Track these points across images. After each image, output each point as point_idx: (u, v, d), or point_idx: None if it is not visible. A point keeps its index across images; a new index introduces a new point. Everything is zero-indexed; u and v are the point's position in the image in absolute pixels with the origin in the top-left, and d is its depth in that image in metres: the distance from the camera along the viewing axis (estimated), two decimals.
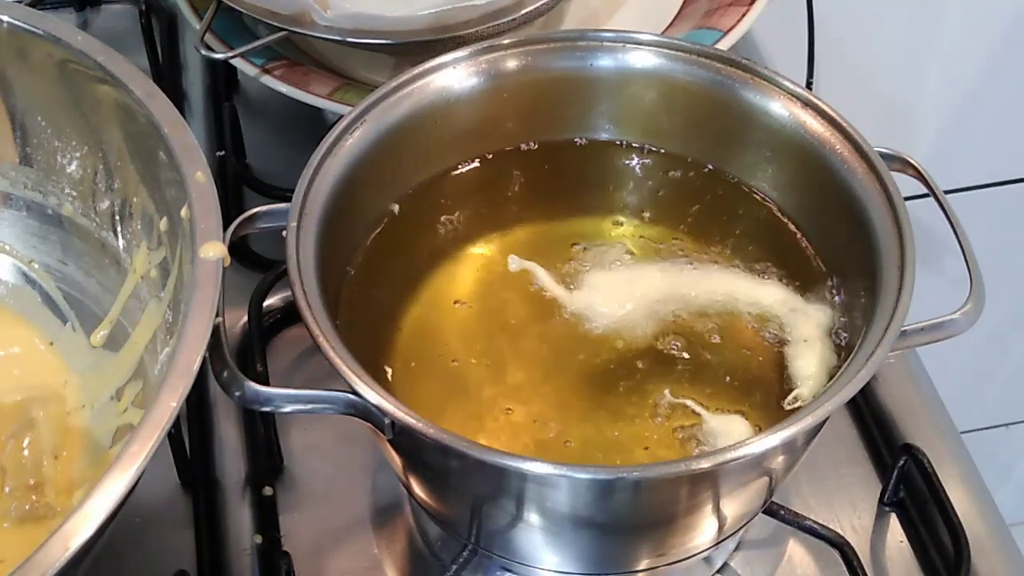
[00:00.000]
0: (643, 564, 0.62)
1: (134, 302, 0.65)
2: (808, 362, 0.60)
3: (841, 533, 0.67)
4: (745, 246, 0.66)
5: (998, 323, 1.13)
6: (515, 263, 0.65)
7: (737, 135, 0.67)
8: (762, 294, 0.64)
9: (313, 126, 0.85)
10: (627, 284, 0.64)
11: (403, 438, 0.55)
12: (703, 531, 0.59)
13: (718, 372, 0.61)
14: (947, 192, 0.63)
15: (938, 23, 1.19)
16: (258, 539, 0.68)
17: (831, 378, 0.59)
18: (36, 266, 0.71)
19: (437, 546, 0.67)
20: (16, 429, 0.64)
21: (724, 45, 0.81)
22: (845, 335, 0.61)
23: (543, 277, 0.64)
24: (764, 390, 0.60)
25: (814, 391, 0.59)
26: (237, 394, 0.54)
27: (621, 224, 0.68)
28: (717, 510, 0.57)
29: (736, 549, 0.68)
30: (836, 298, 0.63)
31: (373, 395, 0.52)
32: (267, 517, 0.69)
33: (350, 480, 0.71)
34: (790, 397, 0.59)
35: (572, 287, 0.64)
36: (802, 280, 0.64)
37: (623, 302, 0.63)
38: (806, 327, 0.62)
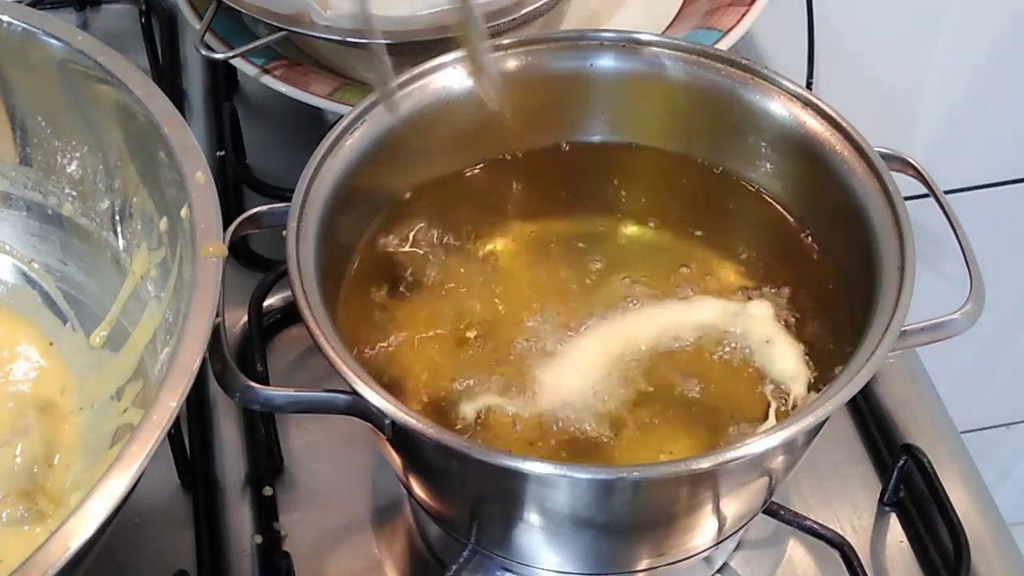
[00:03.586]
0: (643, 564, 0.62)
1: (134, 302, 0.65)
2: (785, 361, 0.61)
3: (841, 533, 0.67)
4: (744, 245, 0.66)
5: (998, 323, 1.13)
6: (468, 409, 0.59)
7: (737, 135, 0.67)
8: (700, 314, 0.63)
9: (313, 126, 0.85)
10: (580, 362, 0.61)
11: (403, 438, 0.55)
12: (703, 531, 0.59)
13: (708, 408, 0.60)
14: (947, 192, 0.63)
15: (938, 23, 1.19)
16: (258, 539, 0.68)
17: (808, 363, 0.60)
18: (36, 266, 0.71)
19: (437, 546, 0.67)
20: (9, 436, 0.64)
21: (724, 45, 0.81)
22: (795, 316, 0.62)
23: (498, 402, 0.60)
24: (758, 405, 0.60)
25: (806, 384, 0.59)
26: (237, 394, 0.54)
27: (616, 224, 0.68)
28: (717, 510, 0.57)
29: (736, 549, 0.68)
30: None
31: (373, 395, 0.52)
32: (267, 517, 0.69)
33: (350, 480, 0.71)
34: (791, 400, 0.59)
35: (529, 392, 0.60)
36: (803, 280, 0.64)
37: (586, 385, 0.60)
38: (759, 327, 0.62)
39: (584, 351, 0.61)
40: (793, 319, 0.62)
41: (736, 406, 0.59)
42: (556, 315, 0.63)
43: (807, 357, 0.61)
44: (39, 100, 0.68)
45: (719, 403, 0.60)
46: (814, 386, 0.60)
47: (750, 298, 0.63)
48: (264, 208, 0.61)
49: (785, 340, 0.61)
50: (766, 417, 0.59)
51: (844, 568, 0.66)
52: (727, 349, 0.61)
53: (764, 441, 0.51)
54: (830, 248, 0.64)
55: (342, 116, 0.64)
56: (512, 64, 0.67)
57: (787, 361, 0.60)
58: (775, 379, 0.60)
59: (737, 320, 0.62)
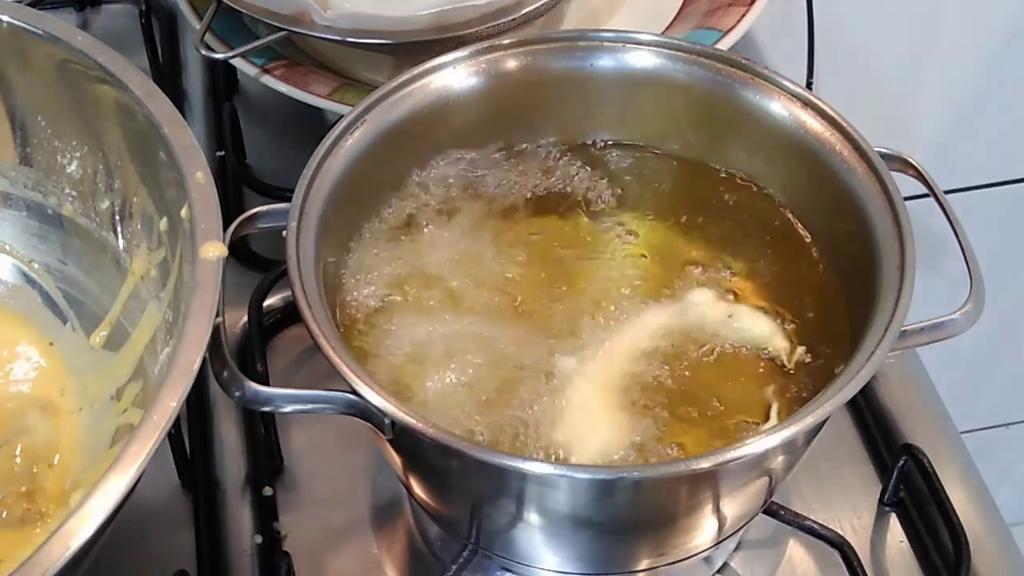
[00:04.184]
0: (643, 564, 0.62)
1: (134, 302, 0.65)
2: (755, 327, 0.61)
3: (841, 533, 0.67)
4: (743, 246, 0.66)
5: (998, 323, 1.13)
6: None
7: (737, 135, 0.67)
8: (658, 320, 0.62)
9: (313, 126, 0.85)
10: (583, 408, 0.59)
11: (403, 438, 0.55)
12: (703, 531, 0.59)
13: (722, 403, 0.59)
14: (947, 192, 0.63)
15: (938, 23, 1.19)
16: (258, 539, 0.68)
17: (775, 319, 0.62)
18: (36, 266, 0.71)
19: (437, 546, 0.67)
20: (9, 436, 0.64)
21: (724, 45, 0.81)
22: (794, 316, 0.62)
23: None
24: (759, 379, 0.60)
25: (783, 336, 0.61)
26: (237, 394, 0.54)
27: (615, 225, 0.68)
28: (717, 510, 0.57)
29: (736, 549, 0.68)
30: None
31: (373, 395, 0.52)
32: (267, 517, 0.69)
33: (350, 480, 0.71)
34: (780, 358, 0.60)
35: (555, 450, 0.58)
36: (802, 280, 0.64)
37: (600, 438, 0.58)
38: (712, 310, 0.62)
39: (584, 394, 0.60)
40: (792, 319, 0.62)
41: (741, 391, 0.60)
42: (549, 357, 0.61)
43: (802, 347, 0.61)
44: (39, 100, 0.68)
45: (727, 394, 0.60)
46: (793, 340, 0.61)
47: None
48: (264, 208, 0.60)
49: (742, 308, 0.62)
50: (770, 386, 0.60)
51: (844, 568, 0.66)
52: (699, 344, 0.61)
53: (764, 441, 0.51)
54: (829, 248, 0.64)
55: (342, 116, 0.64)
56: (512, 64, 0.67)
57: (757, 325, 0.61)
58: (756, 345, 0.61)
59: (688, 314, 0.62)
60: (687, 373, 0.60)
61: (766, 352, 0.61)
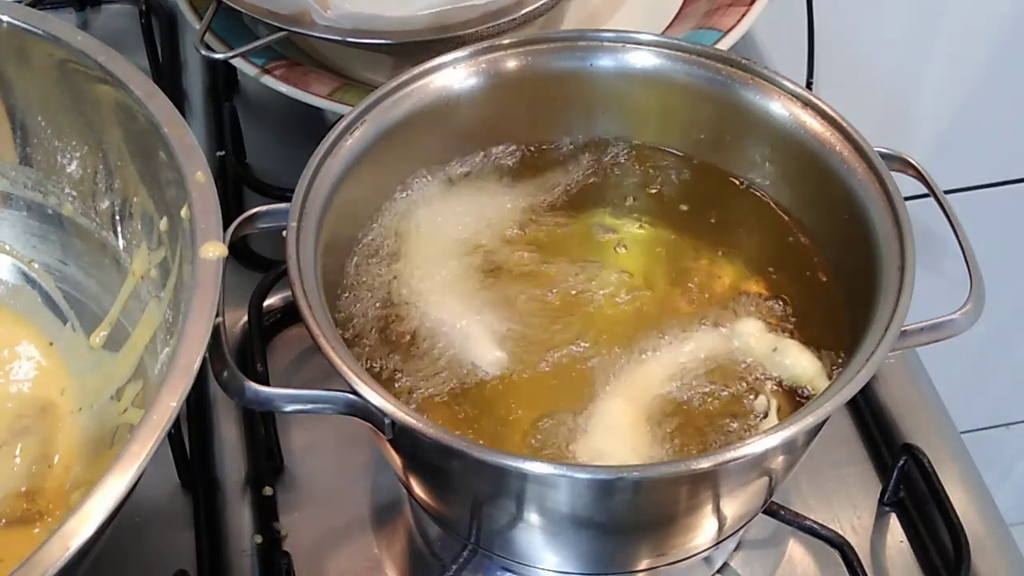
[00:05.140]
0: (643, 564, 0.62)
1: (134, 302, 0.65)
2: (799, 363, 0.60)
3: (841, 533, 0.67)
4: (743, 246, 0.66)
5: (998, 323, 1.13)
6: None
7: (737, 135, 0.67)
8: (700, 346, 0.61)
9: (313, 126, 0.85)
10: (613, 427, 0.58)
11: (403, 438, 0.55)
12: (703, 531, 0.59)
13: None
14: (947, 192, 0.63)
15: (938, 23, 1.19)
16: (258, 539, 0.68)
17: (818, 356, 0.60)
18: (36, 266, 0.71)
19: (437, 546, 0.68)
20: (9, 436, 0.64)
21: (724, 45, 0.81)
22: (790, 323, 0.61)
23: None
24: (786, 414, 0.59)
25: (826, 376, 0.59)
26: (237, 394, 0.54)
27: (616, 224, 0.68)
28: (717, 510, 0.57)
29: (736, 549, 0.68)
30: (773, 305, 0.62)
31: (373, 395, 0.52)
32: (267, 517, 0.69)
33: (350, 480, 0.71)
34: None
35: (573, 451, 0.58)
36: (803, 280, 0.64)
37: (627, 452, 0.57)
38: (759, 341, 0.61)
39: (611, 414, 0.59)
40: (793, 320, 0.62)
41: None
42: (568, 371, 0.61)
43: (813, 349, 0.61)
44: (39, 100, 0.68)
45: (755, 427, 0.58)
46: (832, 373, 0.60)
47: (735, 312, 0.63)
48: (264, 208, 0.61)
49: (789, 343, 0.61)
50: None
51: (844, 568, 0.66)
52: (741, 375, 0.60)
53: (764, 441, 0.51)
54: (830, 248, 0.64)
55: (342, 116, 0.64)
56: (512, 64, 0.67)
57: (801, 362, 0.60)
58: (796, 383, 0.60)
59: (734, 343, 0.61)
60: (717, 404, 0.59)
61: (804, 391, 0.59)
